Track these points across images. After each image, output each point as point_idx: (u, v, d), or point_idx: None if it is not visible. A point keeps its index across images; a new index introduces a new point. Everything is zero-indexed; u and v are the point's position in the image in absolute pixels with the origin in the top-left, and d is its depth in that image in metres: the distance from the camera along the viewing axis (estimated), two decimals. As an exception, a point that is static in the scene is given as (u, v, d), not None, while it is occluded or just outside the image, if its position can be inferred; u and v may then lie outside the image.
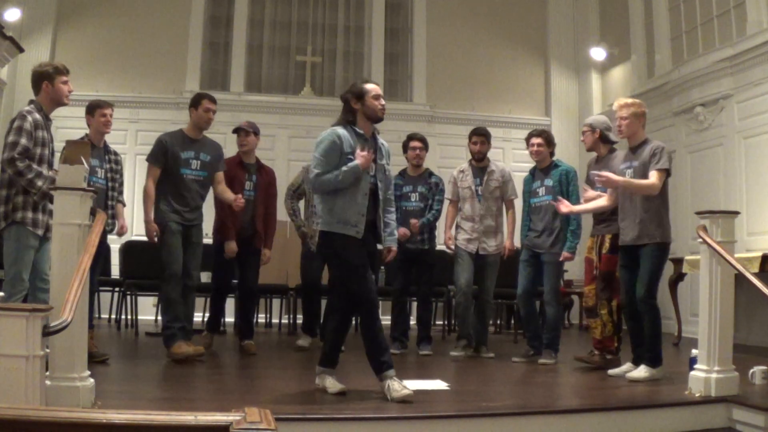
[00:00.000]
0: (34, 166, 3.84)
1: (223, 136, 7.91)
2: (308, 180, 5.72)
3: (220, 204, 5.37)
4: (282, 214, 6.04)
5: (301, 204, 6.04)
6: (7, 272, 3.79)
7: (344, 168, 3.71)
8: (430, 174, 5.92)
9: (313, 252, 5.70)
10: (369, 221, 3.81)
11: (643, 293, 4.35)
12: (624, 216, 4.48)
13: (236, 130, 5.68)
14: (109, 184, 4.85)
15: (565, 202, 4.90)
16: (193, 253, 5.01)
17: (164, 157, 4.92)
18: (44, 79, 3.98)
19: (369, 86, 3.89)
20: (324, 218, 3.82)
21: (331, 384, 3.75)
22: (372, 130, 3.92)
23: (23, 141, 3.81)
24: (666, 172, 4.36)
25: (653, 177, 4.31)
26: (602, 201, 4.70)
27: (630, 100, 4.58)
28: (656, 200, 4.36)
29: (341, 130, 3.83)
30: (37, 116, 3.90)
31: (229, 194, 5.17)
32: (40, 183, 3.81)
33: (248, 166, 5.62)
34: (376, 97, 3.86)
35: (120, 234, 5.11)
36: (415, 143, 5.87)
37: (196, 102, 5.10)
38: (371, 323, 3.73)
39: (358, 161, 3.72)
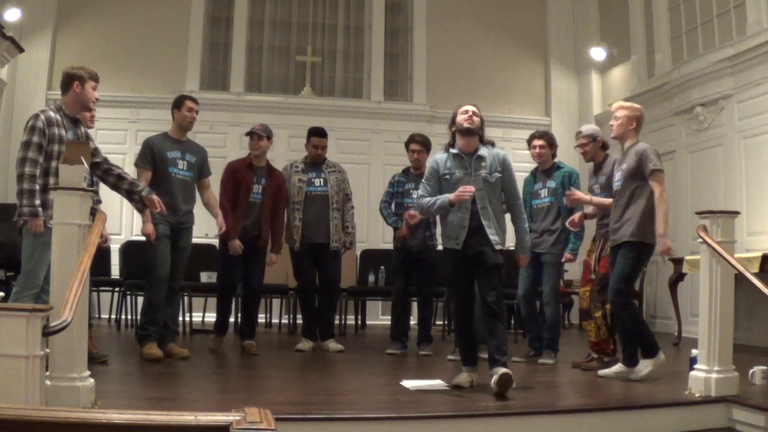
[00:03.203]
0: (36, 186, 3.82)
1: (222, 136, 7.93)
2: (287, 178, 5.74)
3: (223, 206, 5.37)
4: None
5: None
6: (23, 267, 3.78)
7: (437, 199, 4.07)
8: None
9: (299, 252, 5.71)
10: (475, 227, 4.03)
11: (613, 290, 4.35)
12: (612, 216, 4.50)
13: (249, 133, 5.66)
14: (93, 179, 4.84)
15: (576, 192, 4.87)
16: (180, 257, 5.05)
17: (153, 159, 4.98)
18: (76, 80, 4.04)
19: (461, 107, 4.21)
20: (442, 234, 4.25)
21: (458, 377, 4.08)
22: (476, 145, 4.15)
23: (35, 139, 3.83)
24: (662, 171, 4.34)
25: (653, 184, 4.30)
26: (609, 200, 4.70)
27: (627, 104, 4.61)
28: (641, 201, 4.33)
29: (439, 155, 4.24)
30: (52, 114, 3.94)
31: (215, 209, 5.21)
32: (25, 201, 3.79)
33: (257, 169, 5.60)
34: (464, 112, 4.16)
35: (104, 244, 5.05)
36: (414, 146, 5.84)
37: (179, 103, 5.18)
38: (457, 325, 4.32)
39: (451, 196, 3.99)
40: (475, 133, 4.14)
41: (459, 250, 4.04)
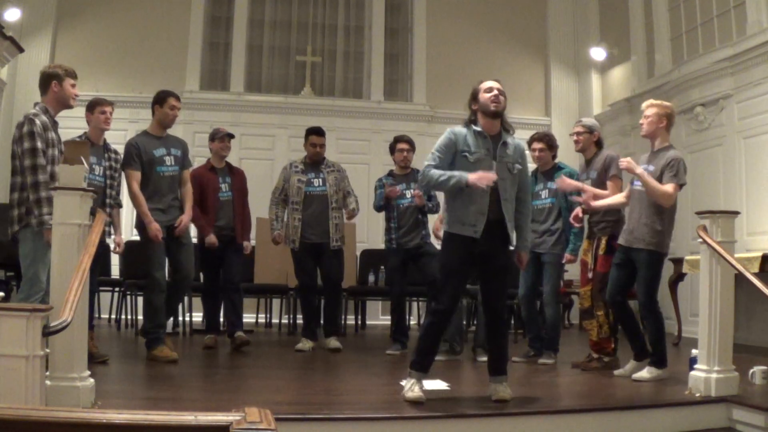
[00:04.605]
0: (51, 192, 3.76)
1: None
2: (286, 178, 5.75)
3: (195, 208, 5.37)
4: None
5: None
6: (25, 273, 3.73)
7: (453, 176, 3.60)
8: (419, 171, 5.90)
9: (299, 251, 5.72)
10: (493, 221, 3.65)
11: (643, 300, 4.39)
12: (629, 217, 4.50)
13: (222, 137, 5.74)
14: (108, 182, 4.80)
15: (589, 191, 4.74)
16: (186, 251, 5.01)
17: (140, 159, 4.88)
18: (54, 79, 3.96)
19: (483, 84, 3.78)
20: (446, 218, 3.81)
21: (412, 390, 3.59)
22: (499, 128, 3.76)
23: (39, 144, 3.76)
24: (680, 187, 4.33)
25: (668, 188, 4.26)
26: (620, 197, 4.67)
27: (657, 102, 4.55)
28: (660, 209, 4.32)
29: (459, 129, 3.78)
30: (44, 118, 3.88)
31: (188, 205, 5.08)
32: (45, 210, 3.67)
33: (219, 170, 5.74)
34: (488, 90, 3.71)
35: (116, 251, 5.08)
36: (402, 145, 5.86)
37: (161, 99, 5.00)
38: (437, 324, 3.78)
39: (471, 176, 3.55)
40: (501, 116, 3.76)
41: (474, 240, 3.63)
